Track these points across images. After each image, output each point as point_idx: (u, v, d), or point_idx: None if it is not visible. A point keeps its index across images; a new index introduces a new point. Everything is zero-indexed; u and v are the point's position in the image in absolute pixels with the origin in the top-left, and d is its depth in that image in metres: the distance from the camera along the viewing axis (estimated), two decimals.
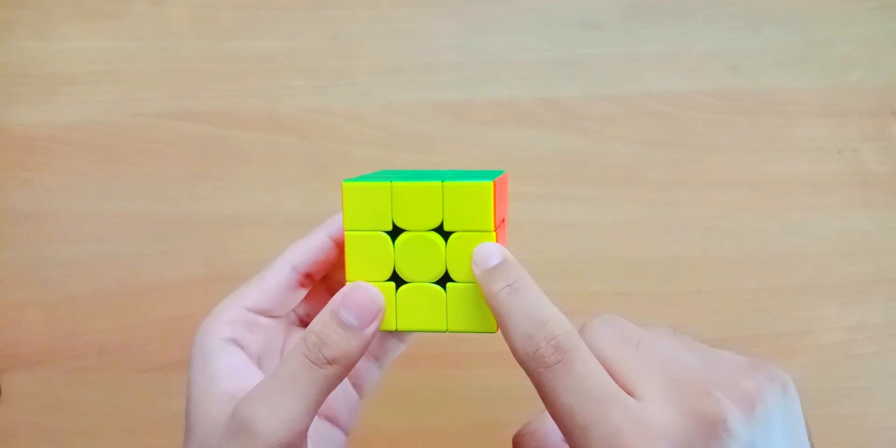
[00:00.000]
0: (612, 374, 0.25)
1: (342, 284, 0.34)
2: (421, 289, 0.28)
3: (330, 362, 0.26)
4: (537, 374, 0.24)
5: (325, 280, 0.34)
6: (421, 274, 0.28)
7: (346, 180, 0.28)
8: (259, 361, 0.31)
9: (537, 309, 0.25)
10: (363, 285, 0.28)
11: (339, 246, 0.32)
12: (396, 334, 0.34)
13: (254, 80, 0.49)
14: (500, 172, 0.29)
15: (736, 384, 0.25)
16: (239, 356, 0.30)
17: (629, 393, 0.25)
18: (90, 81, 0.50)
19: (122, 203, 0.50)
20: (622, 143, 0.48)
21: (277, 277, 0.31)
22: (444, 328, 0.28)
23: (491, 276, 0.26)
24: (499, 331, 0.27)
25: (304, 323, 0.34)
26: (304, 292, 0.32)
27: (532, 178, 0.48)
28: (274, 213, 0.49)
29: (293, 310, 0.33)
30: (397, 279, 0.28)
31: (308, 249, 0.31)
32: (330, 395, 0.28)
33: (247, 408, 0.26)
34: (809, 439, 0.25)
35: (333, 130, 0.49)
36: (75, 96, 0.50)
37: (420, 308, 0.28)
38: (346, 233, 0.28)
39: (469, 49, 0.48)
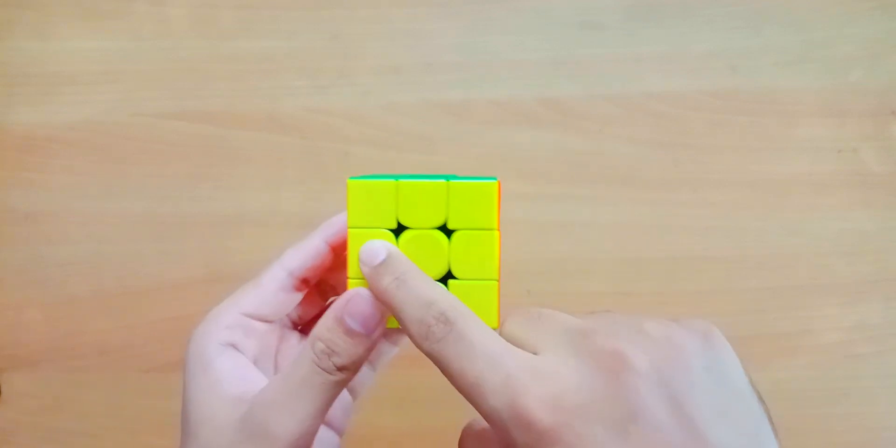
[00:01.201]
0: (512, 343, 0.25)
1: (335, 288, 0.35)
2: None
3: (340, 369, 0.27)
4: (432, 350, 0.25)
5: (318, 284, 0.34)
6: (424, 272, 0.28)
7: (351, 178, 0.28)
8: (256, 364, 0.31)
9: (424, 293, 0.26)
10: (365, 293, 0.28)
11: (335, 250, 0.32)
12: (390, 337, 0.34)
13: (254, 80, 0.49)
14: (493, 179, 0.30)
15: (645, 333, 0.23)
16: (240, 359, 0.30)
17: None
18: (90, 81, 0.50)
19: (122, 203, 0.50)
20: (622, 143, 0.48)
21: (274, 283, 0.31)
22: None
23: (378, 272, 0.27)
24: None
25: (296, 325, 0.34)
26: (299, 297, 0.32)
27: (532, 178, 0.48)
28: (274, 213, 0.49)
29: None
30: None
31: (304, 254, 0.31)
32: None
33: (262, 411, 0.27)
34: (755, 391, 0.24)
35: (333, 130, 0.49)
36: (75, 96, 0.50)
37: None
38: (349, 230, 0.28)
39: (469, 49, 0.48)
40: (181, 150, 0.50)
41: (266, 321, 0.32)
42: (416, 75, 0.48)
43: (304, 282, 0.32)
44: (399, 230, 0.28)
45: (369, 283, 0.27)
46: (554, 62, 0.48)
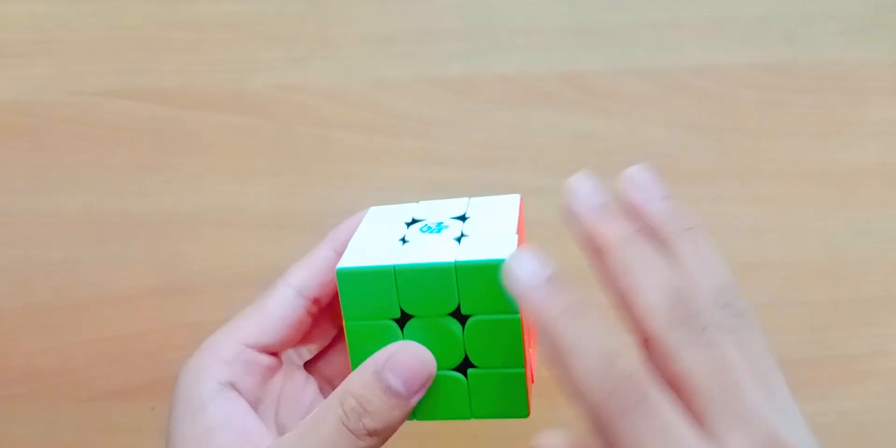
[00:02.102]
0: (667, 376, 0.24)
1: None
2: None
3: (370, 434, 0.27)
4: (612, 421, 0.23)
5: (328, 306, 0.33)
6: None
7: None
8: (256, 408, 0.31)
9: (607, 341, 0.24)
10: (413, 345, 0.28)
11: None
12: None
13: (215, 52, 0.48)
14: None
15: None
16: (238, 405, 0.30)
17: (698, 422, 0.24)
18: (18, 53, 0.49)
19: (57, 199, 0.50)
20: (656, 127, 0.47)
21: (281, 305, 0.31)
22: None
23: (544, 295, 0.25)
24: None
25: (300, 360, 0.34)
26: (308, 322, 0.32)
27: (549, 170, 0.47)
28: (238, 211, 0.49)
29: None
30: None
31: (313, 270, 0.31)
32: None
33: None
34: None
35: (311, 111, 0.48)
36: (1, 71, 0.49)
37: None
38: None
39: (474, 14, 0.47)
40: (128, 135, 0.49)
41: (271, 353, 0.31)
42: (410, 46, 0.47)
43: (315, 302, 0.32)
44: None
45: (528, 306, 0.25)
46: (575, 30, 0.47)
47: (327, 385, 0.34)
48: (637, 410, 0.23)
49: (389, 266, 0.28)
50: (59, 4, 0.48)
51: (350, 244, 0.30)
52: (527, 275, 0.25)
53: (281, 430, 0.32)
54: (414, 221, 0.30)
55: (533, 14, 0.47)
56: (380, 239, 0.29)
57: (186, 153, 0.49)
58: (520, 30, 0.47)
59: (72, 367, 0.50)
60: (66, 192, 0.49)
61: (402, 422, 0.28)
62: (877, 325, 0.47)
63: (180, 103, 0.48)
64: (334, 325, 0.34)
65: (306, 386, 0.33)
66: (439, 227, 0.30)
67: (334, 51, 0.48)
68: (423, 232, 0.29)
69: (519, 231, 0.30)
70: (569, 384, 0.24)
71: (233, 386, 0.30)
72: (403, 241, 0.29)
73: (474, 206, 0.31)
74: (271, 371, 0.32)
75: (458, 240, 0.29)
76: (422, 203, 0.29)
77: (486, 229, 0.29)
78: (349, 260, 0.28)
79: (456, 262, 0.27)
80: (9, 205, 0.50)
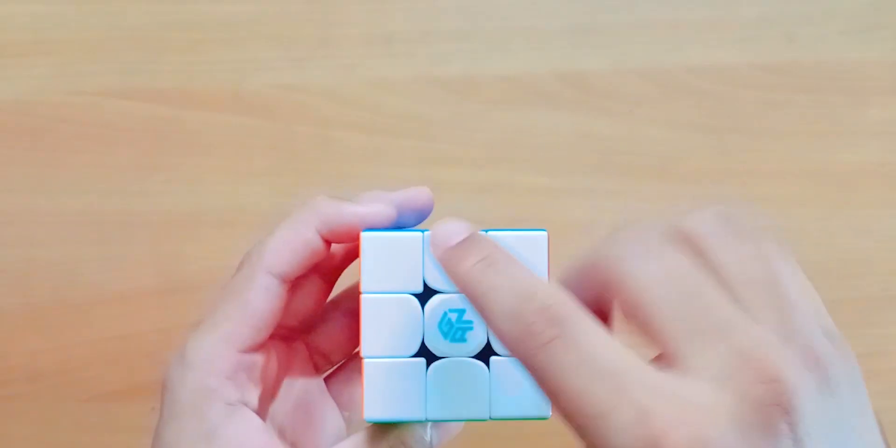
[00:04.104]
0: (643, 325, 0.23)
1: (332, 270, 0.32)
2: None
3: None
4: (531, 356, 0.22)
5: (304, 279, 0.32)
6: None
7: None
8: (260, 412, 0.30)
9: (522, 280, 0.23)
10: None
11: (329, 243, 0.30)
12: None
13: (215, 52, 0.48)
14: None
15: (808, 349, 0.22)
16: (251, 424, 0.29)
17: (666, 354, 0.22)
18: (18, 53, 0.49)
19: (57, 199, 0.49)
20: (657, 128, 0.47)
21: (267, 300, 0.29)
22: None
23: (456, 253, 0.25)
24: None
25: (291, 333, 0.33)
26: (287, 300, 0.30)
27: (549, 170, 0.47)
28: (239, 210, 0.49)
29: None
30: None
31: (293, 252, 0.29)
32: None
33: None
34: (882, 434, 0.23)
35: (311, 112, 0.48)
36: (1, 71, 0.49)
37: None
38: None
39: (474, 14, 0.47)
40: (128, 135, 0.49)
41: (261, 347, 0.30)
42: (410, 46, 0.48)
43: (297, 281, 0.30)
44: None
45: (445, 268, 0.25)
46: (575, 30, 0.47)
47: (315, 354, 0.33)
48: (556, 341, 0.22)
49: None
50: (59, 4, 0.49)
51: (364, 339, 0.28)
52: (443, 240, 0.25)
53: (276, 419, 0.31)
54: (426, 289, 0.28)
55: (533, 14, 0.47)
56: (395, 339, 0.28)
57: (186, 153, 0.49)
58: (520, 30, 0.47)
59: (72, 367, 0.49)
60: (66, 192, 0.49)
61: None
62: (877, 325, 0.47)
63: (180, 103, 0.49)
64: (325, 282, 0.32)
65: (310, 365, 0.33)
66: (464, 332, 0.28)
67: (334, 51, 0.48)
68: (446, 338, 0.28)
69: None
70: (496, 334, 0.23)
71: (244, 403, 0.29)
72: (424, 353, 0.28)
73: None
74: (264, 366, 0.30)
75: (487, 363, 0.28)
76: (427, 235, 0.27)
77: None
78: (375, 408, 0.27)
79: (491, 416, 0.28)
80: (9, 205, 0.49)
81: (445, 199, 0.36)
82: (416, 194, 0.30)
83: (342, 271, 0.32)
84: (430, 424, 0.29)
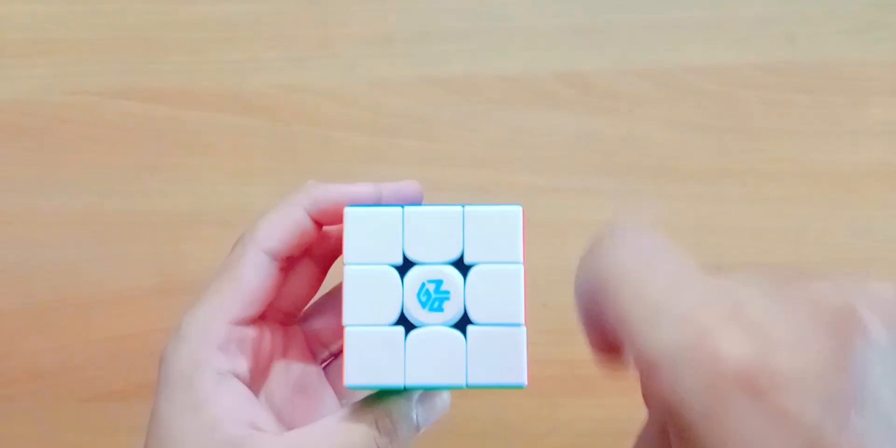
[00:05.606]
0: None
1: (326, 255, 0.33)
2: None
3: None
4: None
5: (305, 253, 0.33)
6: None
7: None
8: (252, 386, 0.30)
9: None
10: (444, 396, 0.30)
11: (319, 223, 0.31)
12: None
13: (215, 52, 0.48)
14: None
15: (867, 288, 0.18)
16: (240, 394, 0.29)
17: None
18: (18, 53, 0.49)
19: (58, 199, 0.49)
20: (657, 127, 0.47)
21: (257, 274, 0.30)
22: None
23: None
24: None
25: (288, 318, 0.33)
26: (280, 278, 0.31)
27: (549, 170, 0.47)
28: (239, 210, 0.48)
29: None
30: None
31: (283, 231, 0.30)
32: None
33: None
34: None
35: (311, 112, 0.48)
36: (1, 71, 0.49)
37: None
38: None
39: (474, 14, 0.48)
40: (128, 135, 0.49)
41: (253, 322, 0.31)
42: (410, 46, 0.48)
43: (288, 260, 0.31)
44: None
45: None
46: (575, 30, 0.47)
47: (315, 342, 0.33)
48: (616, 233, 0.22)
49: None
50: (59, 4, 0.49)
51: (345, 308, 0.28)
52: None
53: (273, 401, 0.31)
54: (406, 261, 0.28)
55: (533, 14, 0.48)
56: (375, 308, 0.28)
57: (186, 153, 0.49)
58: (520, 30, 0.48)
59: (72, 367, 0.49)
60: (66, 192, 0.49)
61: None
62: None
63: (180, 103, 0.49)
64: (317, 266, 0.33)
65: (303, 344, 0.33)
66: (441, 301, 0.29)
67: (334, 51, 0.48)
68: (424, 307, 0.29)
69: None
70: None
71: (234, 373, 0.29)
72: (403, 322, 0.28)
73: (471, 231, 0.29)
74: (257, 341, 0.31)
75: (464, 332, 0.28)
76: (408, 210, 0.28)
77: (493, 306, 0.28)
78: (355, 374, 0.28)
79: (467, 384, 0.28)
80: (9, 205, 0.50)
81: (445, 199, 0.36)
82: (405, 185, 0.31)
83: (336, 258, 0.33)
84: (415, 402, 0.30)
